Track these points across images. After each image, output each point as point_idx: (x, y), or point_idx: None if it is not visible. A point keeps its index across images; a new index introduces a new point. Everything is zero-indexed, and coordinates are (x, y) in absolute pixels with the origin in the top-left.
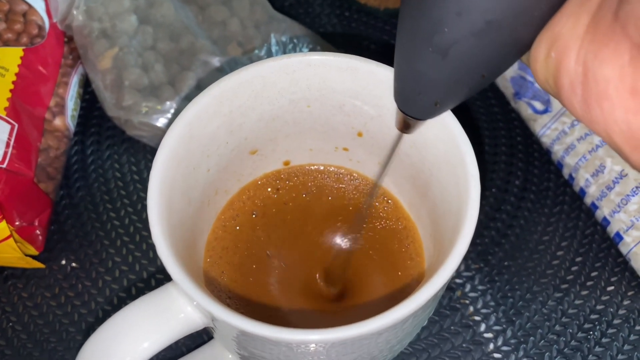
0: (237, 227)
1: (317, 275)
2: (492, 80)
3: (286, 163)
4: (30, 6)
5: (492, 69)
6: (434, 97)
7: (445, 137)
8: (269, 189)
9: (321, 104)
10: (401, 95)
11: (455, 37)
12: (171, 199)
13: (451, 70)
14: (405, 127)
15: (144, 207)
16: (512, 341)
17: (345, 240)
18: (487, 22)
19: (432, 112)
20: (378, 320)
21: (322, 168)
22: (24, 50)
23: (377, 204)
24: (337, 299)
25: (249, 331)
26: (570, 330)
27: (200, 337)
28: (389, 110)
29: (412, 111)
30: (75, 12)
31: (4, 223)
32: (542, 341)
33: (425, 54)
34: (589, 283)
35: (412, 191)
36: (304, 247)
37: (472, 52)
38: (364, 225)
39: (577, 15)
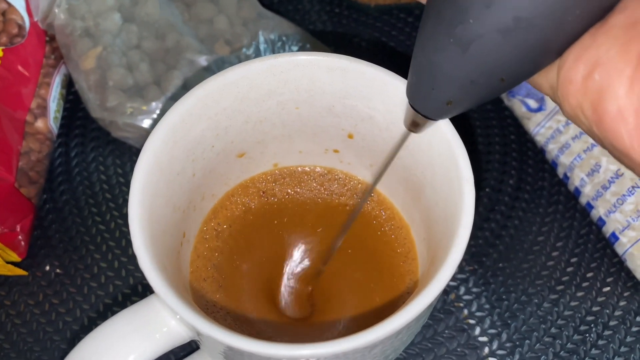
0: (223, 234)
1: (306, 287)
2: (510, 88)
3: (275, 166)
4: (9, 4)
5: (512, 73)
6: (448, 95)
7: (439, 140)
8: (256, 193)
9: (310, 105)
10: (414, 88)
11: (479, 30)
12: (154, 206)
13: (470, 67)
14: (413, 125)
15: None
16: (508, 345)
17: (335, 245)
18: (515, 19)
19: (443, 111)
20: (371, 334)
21: (309, 169)
22: (3, 50)
23: (369, 207)
24: (327, 308)
25: (236, 346)
26: (566, 333)
27: (189, 345)
28: (380, 111)
29: (422, 108)
30: (56, 11)
31: None
32: (538, 344)
33: (445, 45)
34: (584, 284)
35: (404, 194)
36: (293, 252)
37: (495, 50)
38: (349, 228)
39: (626, 41)
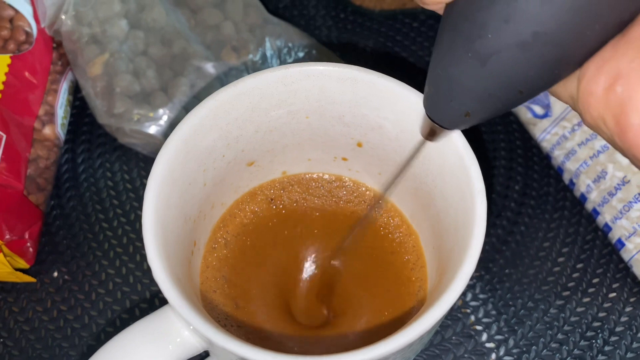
0: (232, 243)
1: (315, 295)
2: (528, 99)
3: (284, 173)
4: (17, 12)
5: (531, 86)
6: (466, 107)
7: (450, 150)
8: (264, 200)
9: (320, 115)
10: (431, 100)
11: (498, 45)
12: (167, 218)
13: (488, 81)
14: (430, 134)
15: (137, 217)
16: (515, 351)
17: (344, 254)
18: (534, 34)
19: (460, 122)
20: (383, 347)
21: (316, 177)
22: (11, 57)
23: (377, 214)
24: (338, 316)
25: (249, 358)
26: (573, 339)
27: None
28: (390, 121)
29: (440, 119)
30: (64, 17)
31: None
32: (545, 350)
33: (463, 59)
34: (590, 290)
35: (414, 203)
36: (302, 261)
37: (513, 64)
38: (362, 237)
39: None
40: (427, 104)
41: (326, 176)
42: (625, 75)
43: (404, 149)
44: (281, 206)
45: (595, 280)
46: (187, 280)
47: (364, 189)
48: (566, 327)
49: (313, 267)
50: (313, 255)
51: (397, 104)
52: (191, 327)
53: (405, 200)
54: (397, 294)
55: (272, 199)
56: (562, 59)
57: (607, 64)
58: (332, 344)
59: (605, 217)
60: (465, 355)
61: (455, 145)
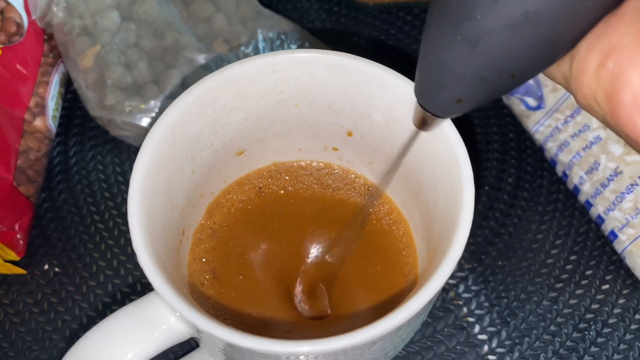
0: (219, 233)
1: (306, 282)
2: (521, 83)
3: (274, 163)
4: (7, 3)
5: (523, 69)
6: (457, 93)
7: (439, 138)
8: (252, 189)
9: (309, 103)
10: (422, 87)
11: (488, 27)
12: (153, 204)
13: (479, 64)
14: (422, 123)
15: None
16: (507, 342)
17: (336, 245)
18: (524, 14)
19: (452, 109)
20: (370, 331)
21: (304, 164)
22: (1, 48)
23: (366, 202)
24: (329, 301)
25: (235, 343)
26: (566, 331)
27: (188, 344)
28: (380, 109)
29: (431, 106)
30: (55, 9)
31: None
32: (537, 342)
33: (452, 43)
34: (583, 282)
35: (404, 191)
36: (291, 251)
37: (504, 46)
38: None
39: None
40: (417, 92)
41: (314, 164)
42: (616, 51)
43: (395, 138)
44: (270, 195)
45: (588, 272)
46: (175, 269)
47: (353, 176)
48: (559, 319)
49: (302, 255)
50: (303, 244)
51: (387, 91)
52: (177, 314)
53: (395, 188)
54: (388, 279)
55: (260, 188)
56: (555, 39)
57: (599, 41)
58: (322, 329)
59: (598, 209)
60: (458, 347)
61: (444, 133)
